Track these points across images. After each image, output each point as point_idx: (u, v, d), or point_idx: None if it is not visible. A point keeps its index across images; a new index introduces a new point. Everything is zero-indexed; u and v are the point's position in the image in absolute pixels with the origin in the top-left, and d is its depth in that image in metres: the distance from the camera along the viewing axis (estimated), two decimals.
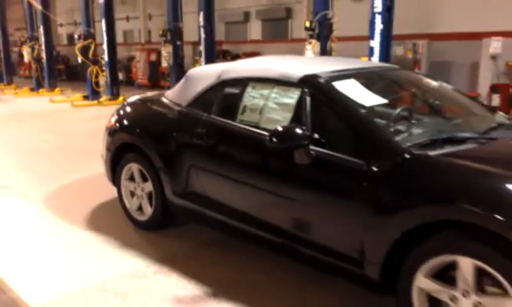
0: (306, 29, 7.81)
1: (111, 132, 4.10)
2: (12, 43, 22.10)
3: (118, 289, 3.05)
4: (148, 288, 3.05)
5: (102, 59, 13.19)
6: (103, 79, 13.23)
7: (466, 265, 2.13)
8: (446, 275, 2.23)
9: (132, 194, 4.02)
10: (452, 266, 2.20)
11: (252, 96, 3.20)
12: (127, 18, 22.40)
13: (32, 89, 15.83)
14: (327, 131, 2.74)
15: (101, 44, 13.10)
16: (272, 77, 3.12)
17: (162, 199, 3.68)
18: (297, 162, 2.69)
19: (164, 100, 3.89)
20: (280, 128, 2.69)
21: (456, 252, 2.15)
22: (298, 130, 2.64)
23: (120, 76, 17.76)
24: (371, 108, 2.79)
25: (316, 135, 2.70)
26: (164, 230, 3.90)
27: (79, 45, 13.38)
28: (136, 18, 20.99)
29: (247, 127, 3.09)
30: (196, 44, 13.28)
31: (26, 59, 16.29)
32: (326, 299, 2.89)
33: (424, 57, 11.05)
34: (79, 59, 13.41)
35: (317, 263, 2.79)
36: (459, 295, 2.18)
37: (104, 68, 13.13)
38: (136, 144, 3.82)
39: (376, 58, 7.19)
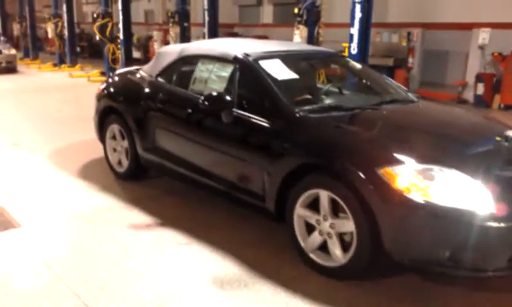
0: (295, 15, 8.49)
1: (99, 97, 4.95)
2: (41, 19, 23.31)
3: (89, 218, 3.91)
4: (113, 218, 3.90)
5: (118, 37, 14.09)
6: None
7: (324, 197, 2.90)
8: (315, 205, 3.00)
9: (114, 150, 4.86)
10: (318, 199, 2.96)
11: (201, 70, 4.00)
12: None
13: (55, 65, 16.91)
14: (248, 98, 3.50)
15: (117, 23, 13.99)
16: (216, 55, 3.91)
17: (134, 154, 4.51)
18: (224, 121, 3.48)
19: (142, 72, 4.70)
20: (214, 94, 3.48)
21: (318, 187, 2.92)
22: (224, 97, 3.43)
23: (139, 55, 18.75)
24: (282, 81, 3.53)
25: (241, 101, 3.48)
26: (138, 180, 4.74)
27: (98, 23, 14.32)
28: None
29: (194, 95, 3.88)
30: None
31: (50, 35, 17.35)
32: (252, 231, 3.67)
33: (418, 46, 11.54)
34: (97, 37, 14.35)
35: (240, 202, 3.57)
36: (321, 219, 2.96)
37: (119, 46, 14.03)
38: (116, 108, 4.66)
39: (355, 44, 7.83)
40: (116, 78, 5.00)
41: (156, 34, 18.40)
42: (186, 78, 4.08)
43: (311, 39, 8.62)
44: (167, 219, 3.85)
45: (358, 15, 7.70)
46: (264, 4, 17.51)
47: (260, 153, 3.26)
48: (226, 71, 3.75)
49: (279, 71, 3.61)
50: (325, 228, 2.95)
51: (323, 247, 3.02)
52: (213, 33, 10.87)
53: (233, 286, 2.90)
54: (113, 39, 14.42)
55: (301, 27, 8.53)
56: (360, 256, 2.78)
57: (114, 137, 4.82)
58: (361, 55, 7.83)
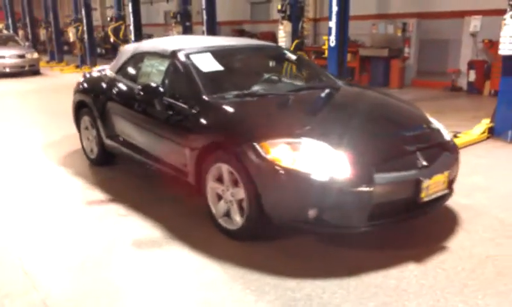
0: (278, 11, 8.90)
1: (75, 92, 5.57)
2: (67, 24, 24.51)
3: (56, 196, 4.54)
4: (75, 196, 4.50)
5: (130, 38, 14.85)
6: None
7: (225, 169, 3.38)
8: (222, 179, 3.48)
9: (88, 139, 5.47)
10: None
11: (146, 65, 4.54)
12: (167, 0, 24.07)
13: (77, 66, 17.89)
14: (177, 87, 4.01)
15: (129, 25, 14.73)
16: (157, 51, 4.45)
17: (100, 142, 5.10)
18: (157, 108, 4.00)
19: (108, 69, 5.28)
20: (147, 85, 4.00)
21: (220, 162, 3.40)
22: (156, 87, 3.95)
23: None
24: (207, 72, 4.01)
25: (172, 90, 3.99)
26: (107, 165, 5.33)
27: (111, 26, 15.17)
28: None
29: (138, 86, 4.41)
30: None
31: (71, 39, 18.36)
32: (190, 205, 4.18)
33: (414, 36, 11.73)
34: (111, 39, 15.18)
35: (173, 178, 4.08)
36: (225, 189, 3.44)
37: None
38: (86, 102, 5.26)
39: (333, 37, 8.16)
40: (88, 76, 5.61)
41: (171, 34, 19.17)
42: (136, 72, 4.64)
43: (295, 33, 9.01)
44: (118, 196, 4.42)
45: (335, 8, 8.00)
46: (273, 1, 17.87)
47: (183, 134, 3.76)
48: (164, 65, 4.28)
49: (207, 64, 4.10)
50: (228, 197, 3.43)
51: (229, 214, 3.50)
52: (211, 31, 11.41)
53: (148, 247, 3.43)
54: (126, 41, 15.20)
55: (285, 22, 8.94)
56: (250, 219, 3.24)
57: (87, 128, 5.43)
58: (340, 48, 8.14)
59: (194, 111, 3.70)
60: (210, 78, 3.99)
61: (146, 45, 4.85)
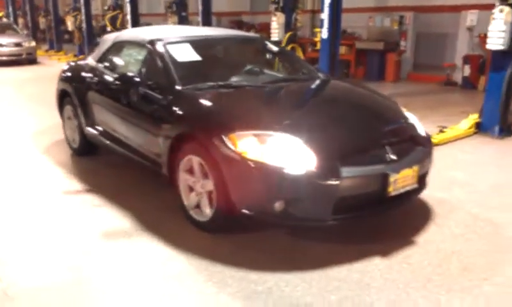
0: (272, 2, 8.83)
1: (58, 80, 5.56)
2: (67, 13, 24.41)
3: (36, 185, 4.53)
4: (54, 186, 4.49)
5: (127, 28, 14.79)
6: None
7: (195, 162, 3.36)
8: (193, 170, 3.46)
9: (71, 128, 5.46)
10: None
11: (125, 54, 4.52)
12: None
13: (75, 56, 17.83)
14: (154, 77, 3.98)
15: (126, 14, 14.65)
16: (136, 40, 4.42)
17: (81, 131, 5.09)
18: (133, 98, 3.98)
19: (90, 58, 5.26)
20: (123, 74, 3.98)
21: (191, 154, 3.38)
22: (131, 77, 3.92)
23: None
24: (183, 62, 3.98)
25: (148, 80, 3.97)
26: (90, 156, 5.32)
27: (109, 15, 15.12)
28: None
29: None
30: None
31: (69, 27, 18.31)
32: (166, 197, 4.17)
33: (410, 29, 11.63)
34: (108, 28, 15.11)
35: (148, 169, 4.06)
36: (196, 181, 3.43)
37: None
38: (67, 91, 5.24)
39: (325, 29, 8.09)
40: (71, 65, 5.59)
41: (169, 24, 19.08)
42: (115, 62, 4.62)
43: (288, 25, 8.94)
44: (95, 187, 4.41)
45: (328, 0, 7.95)
46: None
47: (157, 125, 3.74)
48: (142, 54, 4.26)
49: (183, 54, 4.07)
50: (198, 189, 3.42)
51: (200, 206, 3.48)
52: (206, 22, 11.34)
53: (117, 237, 3.42)
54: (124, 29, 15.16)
55: (278, 13, 8.86)
56: (219, 210, 3.23)
57: (69, 117, 5.41)
58: (332, 40, 8.08)
59: (166, 101, 3.68)
60: (186, 68, 3.97)
61: (126, 34, 4.83)
